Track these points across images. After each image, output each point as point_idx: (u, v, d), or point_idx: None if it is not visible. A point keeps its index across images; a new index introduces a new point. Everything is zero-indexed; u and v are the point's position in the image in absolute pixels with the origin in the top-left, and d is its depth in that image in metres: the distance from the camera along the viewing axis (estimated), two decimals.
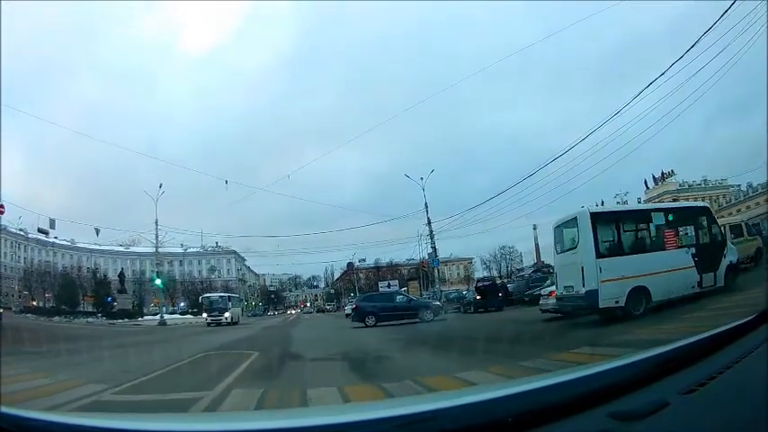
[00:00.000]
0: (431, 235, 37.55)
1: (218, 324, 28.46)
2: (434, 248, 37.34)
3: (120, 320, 40.67)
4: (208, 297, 34.41)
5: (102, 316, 46.23)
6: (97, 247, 58.97)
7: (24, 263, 54.08)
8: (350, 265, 63.48)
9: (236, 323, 30.22)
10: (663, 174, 56.49)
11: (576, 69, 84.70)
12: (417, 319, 18.36)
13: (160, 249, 52.05)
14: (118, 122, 79.98)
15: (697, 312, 8.34)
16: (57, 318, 40.77)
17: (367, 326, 18.36)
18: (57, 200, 69.19)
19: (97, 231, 41.70)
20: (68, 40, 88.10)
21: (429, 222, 37.84)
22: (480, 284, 27.74)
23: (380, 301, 20.55)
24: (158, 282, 42.43)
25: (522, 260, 65.23)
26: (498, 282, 34.47)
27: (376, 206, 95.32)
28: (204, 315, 31.44)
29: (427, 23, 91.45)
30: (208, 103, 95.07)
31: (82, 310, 51.34)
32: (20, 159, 58.71)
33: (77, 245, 58.49)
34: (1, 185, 35.08)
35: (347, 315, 33.35)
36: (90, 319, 42.40)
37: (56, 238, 54.80)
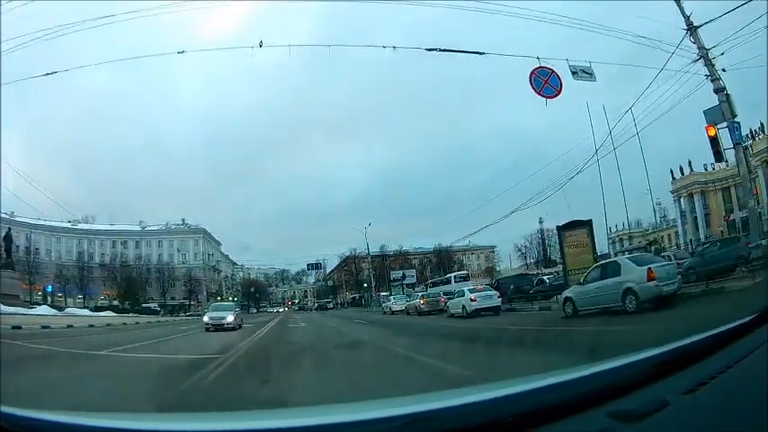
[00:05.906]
0: (707, 62, 16.27)
1: None
2: (727, 95, 15.96)
3: None
4: None
5: None
6: (36, 222, 48.52)
7: None
8: None
9: None
10: (753, 131, 48.16)
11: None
12: None
13: (116, 226, 42.63)
14: (126, 111, 78.99)
15: None
16: None
17: None
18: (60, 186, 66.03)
19: None
20: (81, 28, 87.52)
21: (704, 52, 16.31)
22: None
23: None
24: None
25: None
26: None
27: (381, 203, 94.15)
28: None
29: (441, 29, 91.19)
30: (217, 95, 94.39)
31: None
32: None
33: (16, 218, 47.29)
34: (1, 181, 31.25)
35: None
36: None
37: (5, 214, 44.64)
